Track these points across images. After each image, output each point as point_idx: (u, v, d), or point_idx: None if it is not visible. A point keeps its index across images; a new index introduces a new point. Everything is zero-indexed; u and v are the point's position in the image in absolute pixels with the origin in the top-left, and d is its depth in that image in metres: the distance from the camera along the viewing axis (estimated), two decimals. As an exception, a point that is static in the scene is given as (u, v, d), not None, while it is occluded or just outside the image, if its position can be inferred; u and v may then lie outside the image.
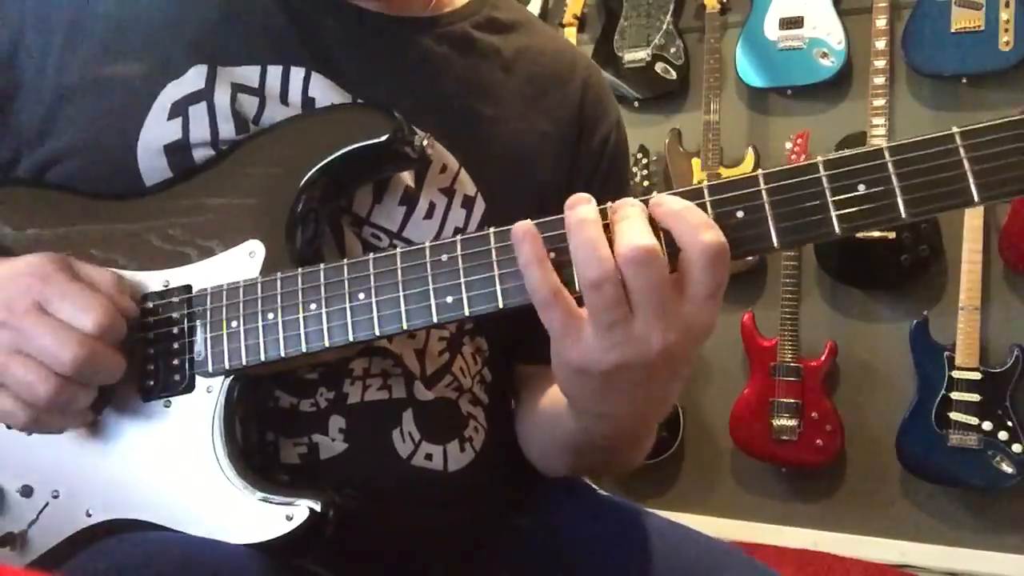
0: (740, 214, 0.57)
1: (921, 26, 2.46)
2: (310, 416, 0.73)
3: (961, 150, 0.54)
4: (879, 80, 2.46)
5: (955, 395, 2.37)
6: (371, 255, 0.65)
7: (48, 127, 0.75)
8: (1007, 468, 2.33)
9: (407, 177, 0.77)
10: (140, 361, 0.69)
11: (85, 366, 0.62)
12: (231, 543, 0.64)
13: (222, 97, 0.73)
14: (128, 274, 0.71)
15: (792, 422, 2.54)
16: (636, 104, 2.88)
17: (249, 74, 0.75)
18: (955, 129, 0.54)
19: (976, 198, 0.53)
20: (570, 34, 2.90)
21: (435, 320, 0.62)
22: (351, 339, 0.64)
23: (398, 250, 0.64)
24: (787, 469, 2.69)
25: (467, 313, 0.61)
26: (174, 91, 0.73)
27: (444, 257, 0.62)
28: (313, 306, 0.65)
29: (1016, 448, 2.32)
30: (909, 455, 2.47)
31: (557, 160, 0.85)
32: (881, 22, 2.46)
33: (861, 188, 0.55)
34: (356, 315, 0.64)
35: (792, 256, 2.55)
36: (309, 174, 0.70)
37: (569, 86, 0.88)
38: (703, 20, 2.75)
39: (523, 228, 0.58)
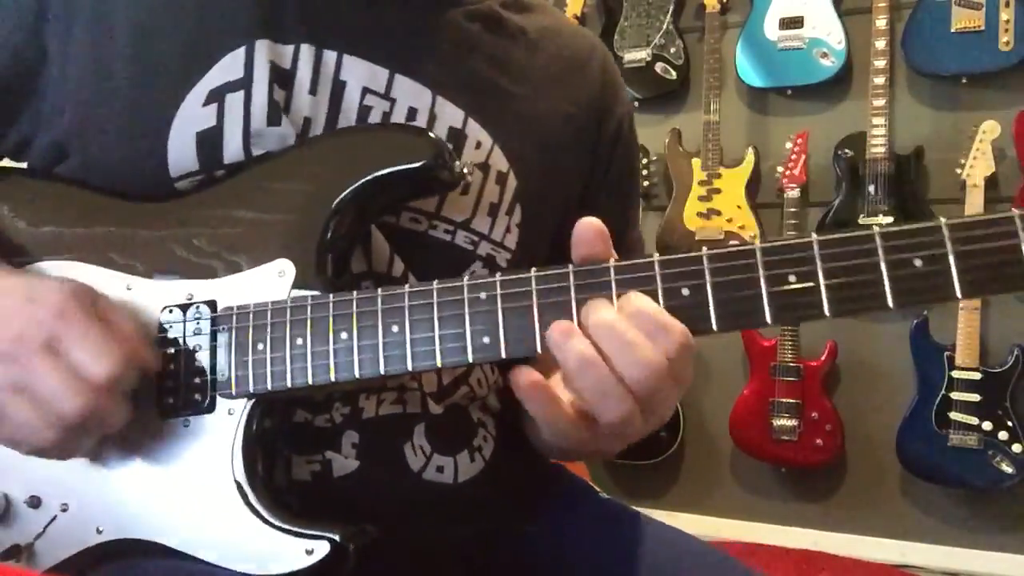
0: (685, 292, 0.58)
1: (921, 26, 2.46)
2: (323, 432, 0.71)
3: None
4: (879, 80, 2.46)
5: (955, 395, 2.37)
6: (407, 287, 0.63)
7: (75, 103, 0.73)
8: (1007, 468, 2.33)
9: None
10: (159, 376, 0.67)
11: (88, 419, 0.60)
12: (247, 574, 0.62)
13: (260, 86, 0.71)
14: (150, 283, 0.69)
15: (792, 422, 2.54)
16: (636, 104, 2.88)
17: (283, 53, 0.73)
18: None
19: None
20: (570, 34, 2.90)
21: (470, 360, 0.61)
22: (382, 372, 0.62)
23: (435, 284, 0.62)
24: (787, 469, 2.69)
25: (503, 356, 0.60)
26: (214, 77, 0.71)
27: (483, 295, 0.61)
28: (344, 335, 0.63)
29: (1016, 448, 2.32)
30: (909, 455, 2.47)
31: (579, 142, 0.86)
32: (881, 22, 2.46)
33: (792, 279, 0.56)
34: (388, 349, 0.62)
35: (792, 256, 2.55)
36: (343, 195, 0.67)
37: (588, 69, 0.89)
38: (703, 20, 2.75)
39: (528, 382, 0.59)
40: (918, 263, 0.54)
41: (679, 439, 2.78)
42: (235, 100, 0.71)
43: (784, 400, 2.55)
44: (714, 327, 0.57)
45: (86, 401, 0.59)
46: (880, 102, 2.45)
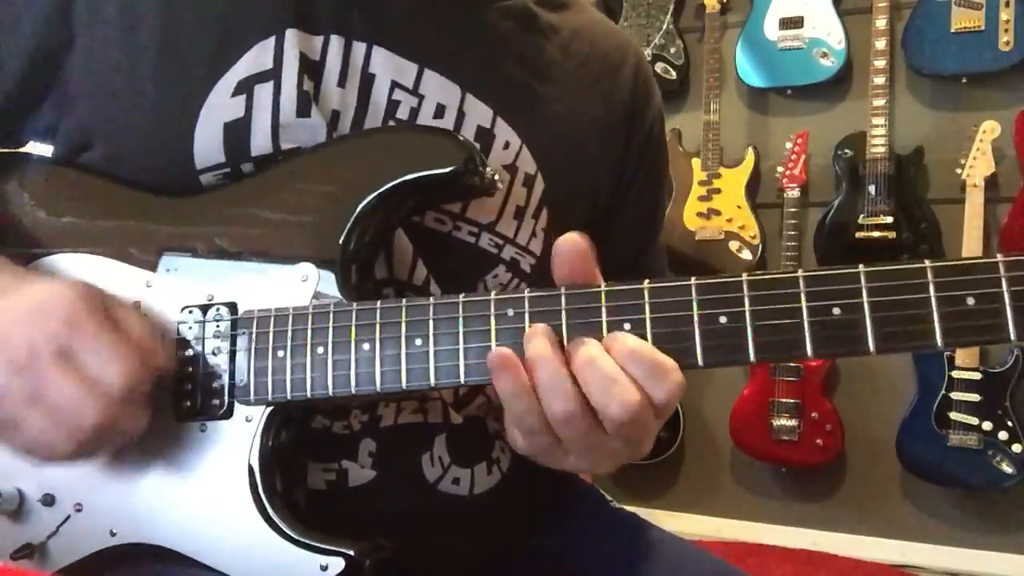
0: (723, 319, 0.55)
1: (921, 26, 2.46)
2: (341, 439, 0.70)
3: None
4: (879, 80, 2.46)
5: (955, 395, 2.37)
6: (432, 299, 0.61)
7: (101, 91, 0.71)
8: (1007, 468, 2.33)
9: None
10: (177, 378, 0.65)
11: (107, 428, 0.59)
12: None
13: (289, 76, 0.69)
14: (170, 280, 0.68)
15: (792, 422, 2.54)
16: (636, 104, 2.88)
17: (313, 44, 0.71)
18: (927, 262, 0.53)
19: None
20: (570, 34, 2.90)
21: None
22: (404, 387, 0.61)
23: (460, 298, 0.60)
24: (787, 469, 2.69)
25: None
26: (243, 67, 0.69)
27: (510, 312, 0.59)
28: (366, 346, 0.61)
29: (1016, 448, 2.32)
30: (909, 455, 2.47)
31: (608, 145, 0.84)
32: (881, 22, 2.46)
33: (836, 312, 0.53)
34: (411, 362, 0.60)
35: (792, 256, 2.55)
36: (368, 198, 0.65)
37: (621, 72, 0.87)
38: (703, 20, 2.75)
39: (500, 357, 0.57)
40: (971, 301, 0.51)
41: (679, 439, 2.78)
42: (264, 91, 0.69)
43: (784, 400, 2.55)
44: (752, 358, 0.55)
45: (104, 411, 0.58)
46: (880, 102, 2.46)
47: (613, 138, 0.85)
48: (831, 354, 0.54)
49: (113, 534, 0.65)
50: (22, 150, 0.76)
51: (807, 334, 0.54)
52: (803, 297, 0.54)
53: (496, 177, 0.68)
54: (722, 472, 2.86)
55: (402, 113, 0.73)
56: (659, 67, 2.82)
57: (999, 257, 0.51)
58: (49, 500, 0.67)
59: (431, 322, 0.60)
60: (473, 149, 0.66)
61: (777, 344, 0.54)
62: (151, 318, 0.66)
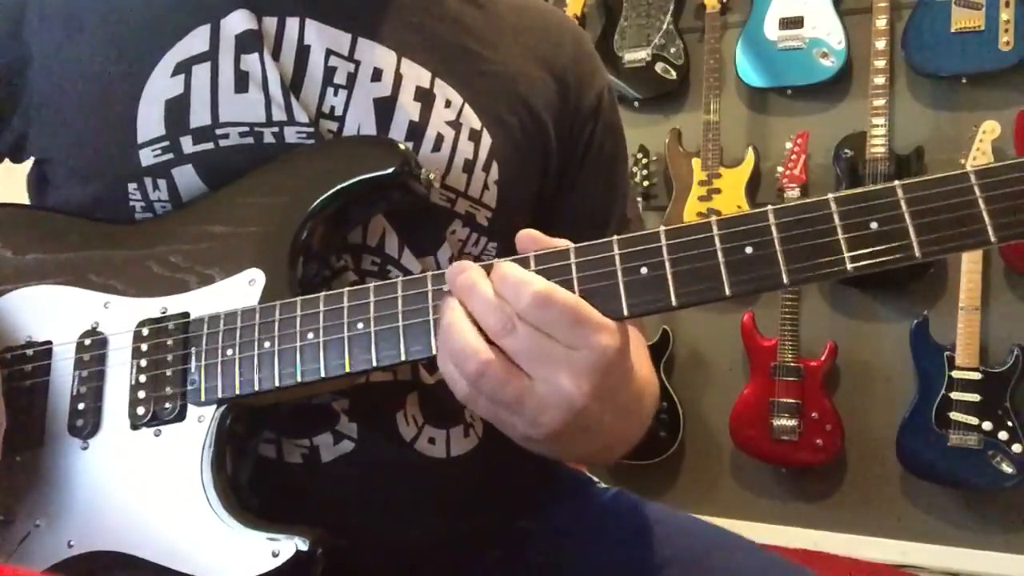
0: (644, 270, 0.58)
1: (921, 26, 2.46)
2: (316, 408, 0.72)
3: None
4: (879, 80, 2.46)
5: (955, 395, 2.37)
6: (372, 284, 0.64)
7: (57, 90, 0.76)
8: (1007, 468, 2.33)
9: (411, 111, 0.76)
10: (131, 389, 0.68)
11: None
12: None
13: (226, 57, 0.73)
14: (126, 300, 0.71)
15: (792, 422, 2.54)
16: (636, 104, 2.88)
17: (248, 25, 0.74)
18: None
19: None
20: (570, 34, 2.89)
21: (434, 351, 0.61)
22: (348, 369, 0.63)
23: (399, 279, 0.63)
24: (787, 469, 2.69)
25: None
26: (181, 50, 0.73)
27: (446, 287, 0.61)
28: (311, 335, 0.64)
29: (1016, 448, 2.32)
30: (909, 455, 2.47)
31: (556, 106, 0.84)
32: (881, 22, 2.47)
33: (748, 250, 0.56)
34: (354, 344, 0.63)
35: (792, 256, 2.55)
36: (313, 204, 0.69)
37: (561, 41, 0.88)
38: (703, 20, 2.75)
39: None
40: (874, 225, 0.54)
41: (679, 439, 2.78)
42: (202, 70, 0.73)
43: (784, 400, 2.55)
44: (673, 303, 0.57)
45: None
46: (880, 102, 2.46)
47: (559, 99, 0.85)
48: (748, 289, 0.56)
49: (70, 546, 0.66)
50: None
51: (723, 273, 0.56)
52: (717, 240, 0.56)
53: (432, 177, 0.71)
54: (722, 472, 2.86)
55: (339, 79, 0.75)
56: (659, 67, 2.82)
57: (896, 182, 0.54)
58: (10, 520, 0.68)
59: (372, 304, 0.63)
60: (408, 153, 0.70)
61: (696, 285, 0.57)
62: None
